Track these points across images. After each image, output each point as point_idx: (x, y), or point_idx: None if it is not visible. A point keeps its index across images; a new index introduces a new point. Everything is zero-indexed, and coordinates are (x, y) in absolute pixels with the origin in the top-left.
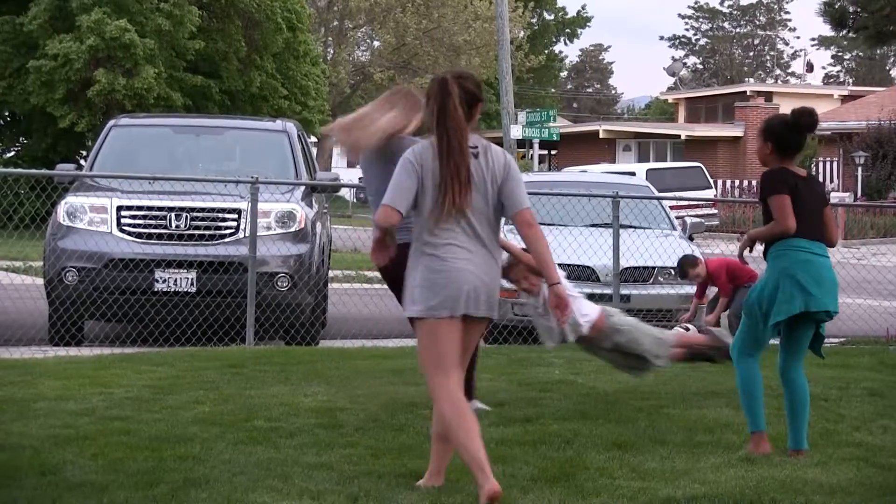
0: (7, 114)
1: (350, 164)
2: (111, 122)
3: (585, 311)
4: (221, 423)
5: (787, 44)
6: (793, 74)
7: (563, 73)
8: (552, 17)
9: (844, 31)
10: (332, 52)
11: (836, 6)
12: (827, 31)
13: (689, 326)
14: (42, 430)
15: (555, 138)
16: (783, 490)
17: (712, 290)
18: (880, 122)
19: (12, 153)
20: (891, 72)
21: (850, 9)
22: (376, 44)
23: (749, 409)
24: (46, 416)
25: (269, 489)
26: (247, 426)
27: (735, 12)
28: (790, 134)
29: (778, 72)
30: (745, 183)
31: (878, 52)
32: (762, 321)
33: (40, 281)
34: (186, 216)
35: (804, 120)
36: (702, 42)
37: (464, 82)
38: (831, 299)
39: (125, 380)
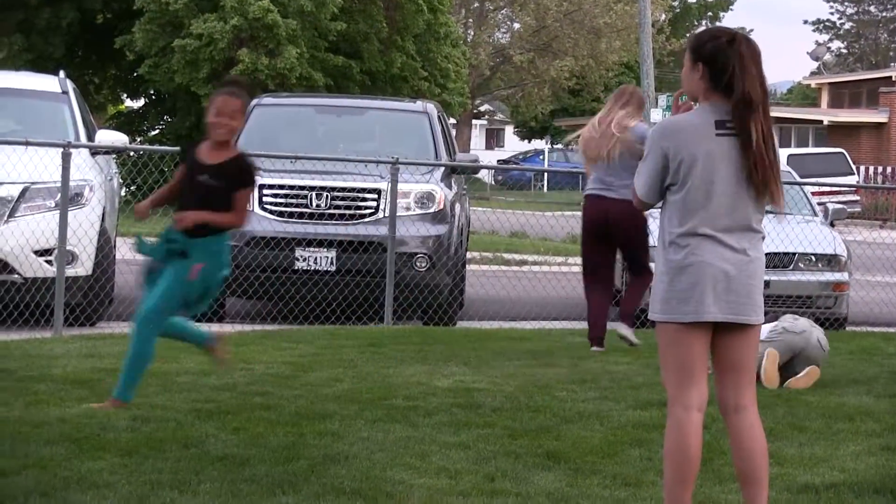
0: (152, 92)
1: (489, 147)
2: (254, 102)
3: None
4: (360, 400)
5: None
6: None
7: None
8: None
9: None
10: (472, 33)
11: None
12: None
13: None
14: (185, 404)
15: None
16: None
17: None
18: None
19: (157, 131)
20: None
21: None
22: (516, 26)
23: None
24: (189, 391)
25: (406, 467)
26: (385, 404)
27: None
28: None
29: None
30: (889, 169)
31: None
32: None
33: None
34: (327, 195)
35: None
36: (847, 26)
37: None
38: None
39: (266, 356)
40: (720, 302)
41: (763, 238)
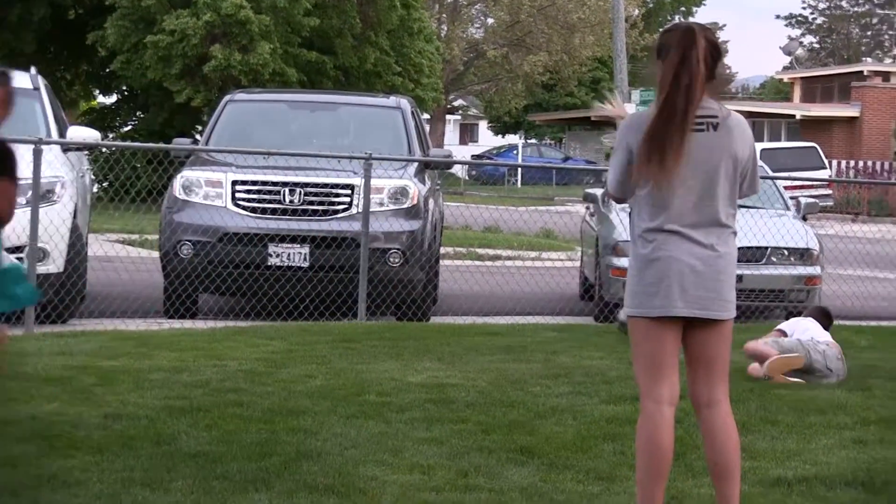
0: (125, 88)
1: (462, 142)
2: (227, 98)
3: None
4: (333, 396)
5: None
6: None
7: None
8: None
9: None
10: (445, 29)
11: None
12: None
13: None
14: (157, 401)
15: None
16: None
17: None
18: None
19: (129, 127)
20: None
21: None
22: (490, 21)
23: None
24: (161, 387)
25: (379, 463)
26: (358, 400)
27: None
28: None
29: None
30: (861, 164)
31: None
32: None
33: (156, 254)
34: (300, 191)
35: None
36: (819, 21)
37: (708, 34)
38: None
39: (239, 353)
40: (687, 297)
41: (734, 234)
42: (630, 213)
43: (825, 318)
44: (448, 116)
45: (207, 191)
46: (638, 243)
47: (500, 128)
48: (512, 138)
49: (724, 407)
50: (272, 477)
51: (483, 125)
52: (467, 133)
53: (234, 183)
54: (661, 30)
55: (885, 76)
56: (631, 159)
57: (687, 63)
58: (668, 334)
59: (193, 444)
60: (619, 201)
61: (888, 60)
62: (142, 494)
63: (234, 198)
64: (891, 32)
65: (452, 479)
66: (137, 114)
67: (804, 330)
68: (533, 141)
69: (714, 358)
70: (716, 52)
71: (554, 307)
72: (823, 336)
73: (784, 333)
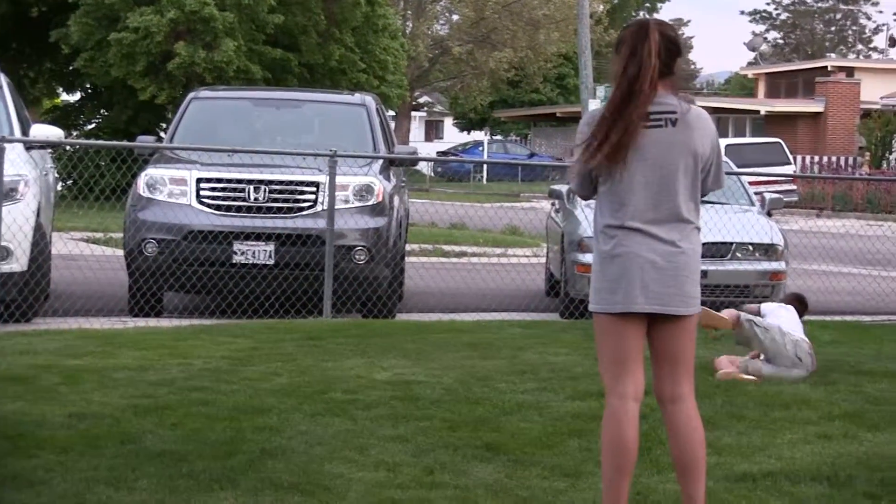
0: (88, 86)
1: (428, 138)
2: (191, 95)
3: None
4: (299, 394)
5: (869, 18)
6: (874, 49)
7: None
8: None
9: None
10: (410, 25)
11: None
12: None
13: None
14: (122, 400)
15: None
16: (860, 466)
17: None
18: None
19: (93, 125)
20: None
21: None
22: (455, 17)
23: None
24: (126, 386)
25: (345, 460)
26: (324, 398)
27: None
28: None
29: (860, 46)
30: (825, 159)
31: None
32: None
33: (121, 252)
34: (265, 189)
35: None
36: (783, 16)
37: (665, 29)
38: None
39: (204, 351)
40: (648, 293)
41: (698, 229)
42: (594, 210)
43: (800, 304)
44: (413, 113)
45: (172, 188)
46: (599, 240)
47: (465, 124)
48: (477, 135)
49: (688, 402)
50: (237, 475)
51: (448, 122)
52: (433, 130)
53: (199, 181)
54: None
55: (849, 71)
56: None
57: (636, 56)
58: (632, 330)
59: (158, 443)
60: (584, 198)
61: (852, 56)
62: (106, 493)
63: (198, 195)
64: (854, 28)
65: (418, 476)
66: (101, 111)
67: (778, 318)
68: (498, 137)
69: (678, 353)
70: (674, 47)
71: (520, 304)
72: (798, 329)
73: (759, 312)
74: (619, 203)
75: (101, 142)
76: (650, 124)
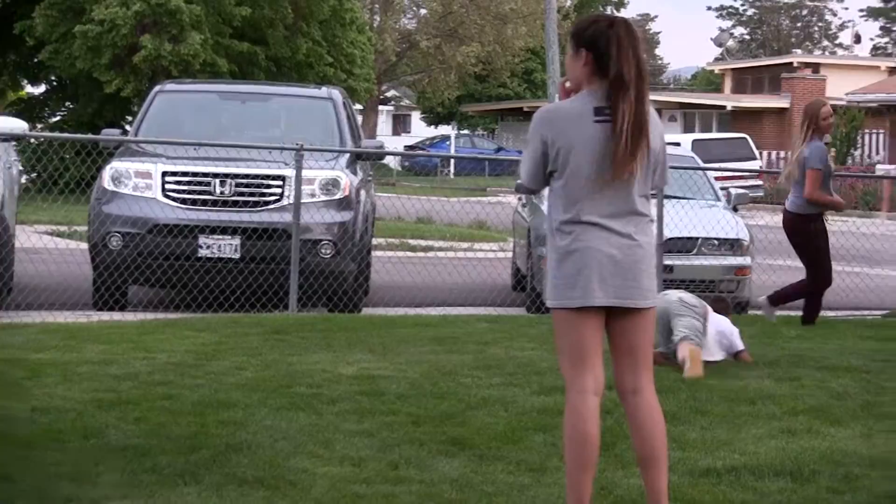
0: (54, 78)
1: (395, 132)
2: (157, 88)
3: None
4: (264, 388)
5: (835, 15)
6: (840, 46)
7: None
8: None
9: (893, 3)
10: (378, 19)
11: None
12: (875, 2)
13: None
14: (85, 394)
15: None
16: (824, 461)
17: None
18: None
19: (58, 118)
20: None
21: None
22: (422, 11)
23: None
24: (90, 380)
25: (310, 455)
26: (289, 392)
27: None
28: None
29: (825, 43)
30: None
31: None
32: None
33: (85, 246)
34: (231, 182)
35: None
36: (749, 12)
37: (632, 26)
38: None
39: (168, 345)
40: (606, 286)
41: (652, 221)
42: (548, 205)
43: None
44: (381, 107)
45: (137, 182)
46: (556, 236)
47: (432, 118)
48: (445, 129)
49: (649, 394)
50: (201, 470)
51: (416, 116)
52: (400, 124)
53: (165, 174)
54: (586, 18)
55: (815, 67)
56: (545, 150)
57: (641, 59)
58: (590, 324)
59: (122, 438)
60: (533, 192)
61: (818, 52)
62: (69, 488)
63: (164, 189)
64: (820, 24)
65: (383, 471)
66: (66, 104)
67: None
68: (466, 132)
69: (636, 346)
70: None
71: (486, 298)
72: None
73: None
74: (574, 198)
75: (65, 135)
76: (601, 119)
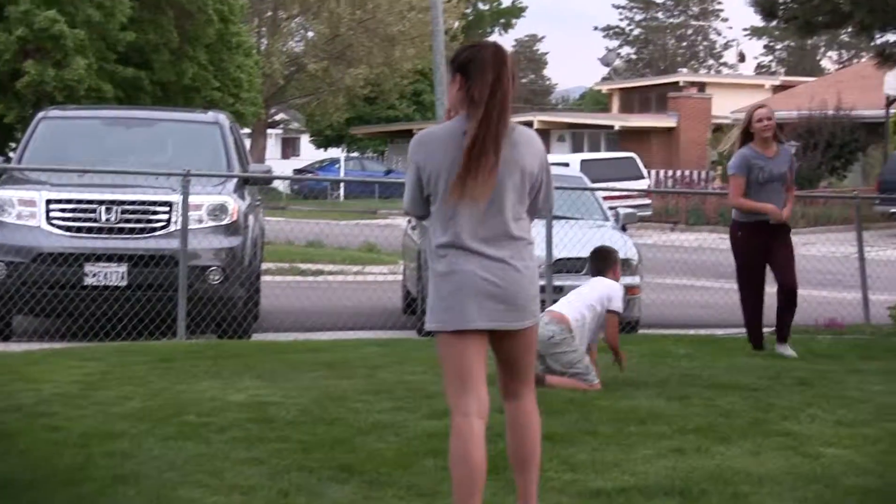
0: None
1: (285, 156)
2: (40, 114)
3: None
4: (151, 418)
5: (719, 34)
6: (725, 64)
7: None
8: (487, 7)
9: (775, 22)
10: (265, 42)
11: None
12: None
13: None
14: None
15: None
16: (712, 480)
17: None
18: (811, 111)
19: None
20: (821, 62)
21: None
22: (310, 34)
23: None
24: None
25: (199, 485)
26: (177, 421)
27: (669, 2)
28: None
29: (711, 62)
30: (679, 173)
31: (809, 42)
32: None
33: None
34: (117, 209)
35: None
36: (636, 32)
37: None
38: None
39: (54, 375)
40: (483, 310)
41: (530, 244)
42: (428, 229)
43: (600, 261)
44: (269, 130)
45: (21, 210)
46: (433, 259)
47: (322, 141)
48: (334, 152)
49: (528, 401)
50: (87, 502)
51: (305, 139)
52: (289, 147)
53: (49, 202)
54: (465, 44)
55: (701, 87)
56: (419, 175)
57: (501, 82)
58: (471, 347)
59: (6, 471)
60: (420, 218)
61: (703, 71)
62: None
63: (48, 217)
64: (705, 43)
65: (273, 499)
66: None
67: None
68: (355, 154)
69: (518, 360)
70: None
71: (376, 322)
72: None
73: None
74: (447, 221)
75: None
76: None
